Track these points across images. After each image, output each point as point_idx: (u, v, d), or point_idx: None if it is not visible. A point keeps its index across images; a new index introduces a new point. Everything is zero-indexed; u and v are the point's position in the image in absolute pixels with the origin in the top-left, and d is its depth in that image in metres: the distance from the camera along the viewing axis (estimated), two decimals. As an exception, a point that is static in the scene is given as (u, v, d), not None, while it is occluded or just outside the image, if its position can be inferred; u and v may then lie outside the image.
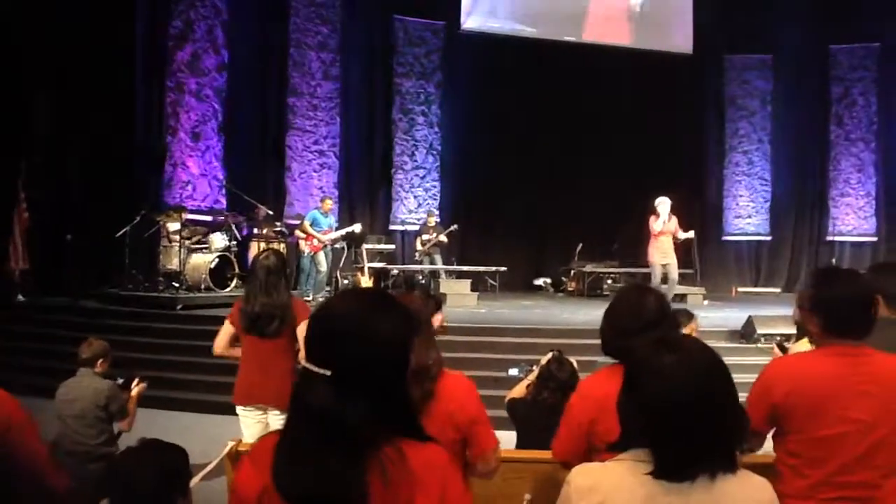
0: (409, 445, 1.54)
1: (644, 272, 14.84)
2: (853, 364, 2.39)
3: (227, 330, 4.56)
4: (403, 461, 1.51)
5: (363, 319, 1.56)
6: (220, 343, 4.59)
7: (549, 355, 4.23)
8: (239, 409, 4.53)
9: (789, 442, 2.43)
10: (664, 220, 10.77)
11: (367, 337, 1.54)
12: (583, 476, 1.70)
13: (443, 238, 13.31)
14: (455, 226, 13.61)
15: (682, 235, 11.07)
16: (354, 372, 1.52)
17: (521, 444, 4.01)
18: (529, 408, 4.06)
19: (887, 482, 2.34)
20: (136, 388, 4.85)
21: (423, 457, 1.54)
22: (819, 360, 2.46)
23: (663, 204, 10.78)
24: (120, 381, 4.80)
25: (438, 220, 13.98)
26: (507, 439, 3.26)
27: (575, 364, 4.22)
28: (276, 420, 4.45)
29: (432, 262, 13.41)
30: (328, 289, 11.83)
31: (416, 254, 13.65)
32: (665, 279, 10.76)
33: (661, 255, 10.73)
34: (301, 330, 4.39)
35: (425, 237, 13.41)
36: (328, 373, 1.52)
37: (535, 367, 4.60)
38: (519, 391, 4.26)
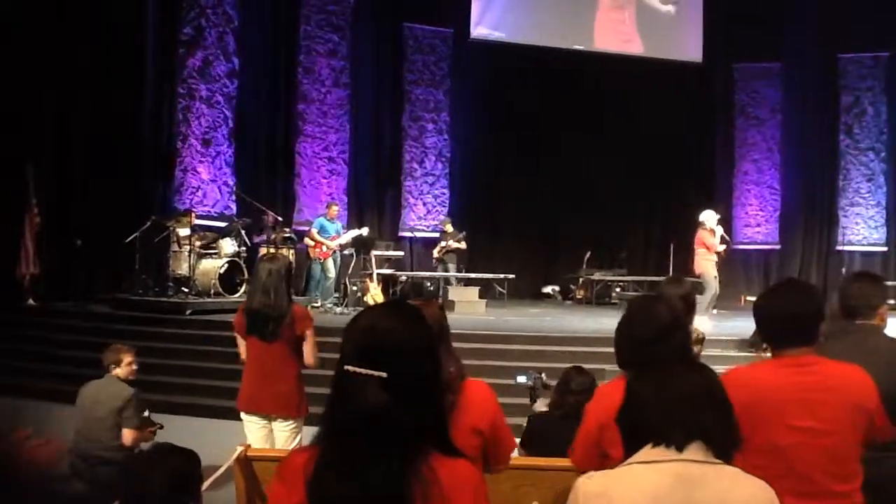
0: (438, 460, 1.54)
1: (651, 280, 14.85)
2: (798, 374, 2.42)
3: (240, 339, 4.59)
4: (435, 476, 1.51)
5: (408, 332, 1.60)
6: (243, 351, 4.60)
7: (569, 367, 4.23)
8: (243, 415, 4.54)
9: (744, 452, 2.44)
10: (720, 235, 10.73)
11: (412, 350, 1.58)
12: (591, 483, 1.72)
13: (457, 245, 13.35)
14: (463, 232, 13.63)
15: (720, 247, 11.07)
16: (403, 379, 1.54)
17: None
18: (544, 423, 4.04)
19: (847, 486, 2.37)
20: (149, 430, 4.84)
21: (453, 473, 1.54)
22: (764, 372, 2.51)
23: (712, 218, 10.72)
24: (146, 413, 4.82)
25: (450, 227, 13.97)
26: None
27: None
28: (281, 428, 4.46)
29: (445, 269, 13.44)
30: (336, 295, 11.85)
31: (434, 261, 13.73)
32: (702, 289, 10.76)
33: (715, 268, 10.68)
34: (309, 337, 4.41)
35: (442, 243, 13.48)
36: (384, 374, 1.52)
37: (543, 375, 4.60)
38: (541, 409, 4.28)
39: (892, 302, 13.21)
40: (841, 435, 2.38)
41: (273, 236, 11.52)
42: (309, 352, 4.39)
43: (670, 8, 15.79)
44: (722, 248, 11.03)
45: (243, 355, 4.60)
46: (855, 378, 2.45)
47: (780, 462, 2.37)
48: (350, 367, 1.55)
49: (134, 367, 4.88)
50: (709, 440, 1.65)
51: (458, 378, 2.55)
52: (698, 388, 1.71)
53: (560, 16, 15.60)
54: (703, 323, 10.38)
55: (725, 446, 1.68)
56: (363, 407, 1.51)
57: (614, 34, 15.73)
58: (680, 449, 1.64)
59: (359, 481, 1.48)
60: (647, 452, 1.67)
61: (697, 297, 10.66)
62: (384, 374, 1.52)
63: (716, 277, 10.68)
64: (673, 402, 1.67)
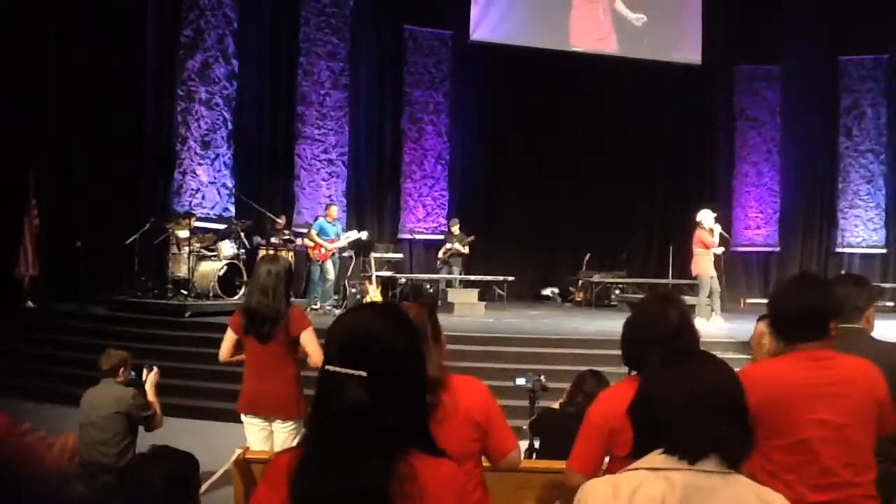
0: (419, 459, 1.54)
1: (650, 283, 14.87)
2: (816, 368, 2.46)
3: (229, 336, 4.55)
4: (415, 474, 1.51)
5: (389, 332, 1.61)
6: (224, 350, 4.58)
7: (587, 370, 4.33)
8: (243, 417, 4.54)
9: (764, 448, 2.45)
10: (718, 234, 10.67)
11: (393, 349, 1.58)
12: (595, 487, 1.70)
13: (461, 249, 13.36)
14: (472, 237, 13.63)
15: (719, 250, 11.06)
16: (384, 378, 1.55)
17: (542, 454, 4.05)
18: (557, 418, 4.09)
19: (864, 478, 2.40)
20: (148, 379, 4.81)
21: (436, 473, 1.55)
22: (784, 366, 2.53)
23: (709, 217, 10.70)
24: (132, 375, 4.79)
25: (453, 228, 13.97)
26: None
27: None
28: (280, 428, 4.46)
29: (449, 272, 13.44)
30: (336, 297, 11.85)
31: (438, 261, 13.74)
32: (710, 292, 10.72)
33: (713, 268, 10.66)
34: (306, 339, 4.40)
35: (447, 245, 13.49)
36: (364, 374, 1.53)
37: (542, 377, 4.64)
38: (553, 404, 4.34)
39: (889, 304, 13.24)
40: (857, 427, 2.41)
41: (273, 239, 11.53)
42: (315, 352, 4.38)
43: (640, 16, 15.73)
44: (720, 250, 11.00)
45: (223, 353, 4.57)
46: (868, 371, 2.50)
47: (804, 456, 2.40)
48: (331, 367, 1.56)
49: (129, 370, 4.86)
50: (722, 452, 1.62)
51: (439, 379, 2.50)
52: (721, 391, 1.65)
53: (560, 17, 15.60)
54: (716, 324, 10.41)
55: (738, 456, 1.65)
56: (344, 406, 1.52)
57: (614, 36, 15.72)
58: (692, 462, 1.61)
59: (339, 479, 1.49)
60: (655, 458, 1.65)
61: (692, 297, 10.72)
62: (364, 374, 1.52)
63: (713, 277, 10.62)
64: (693, 405, 1.62)
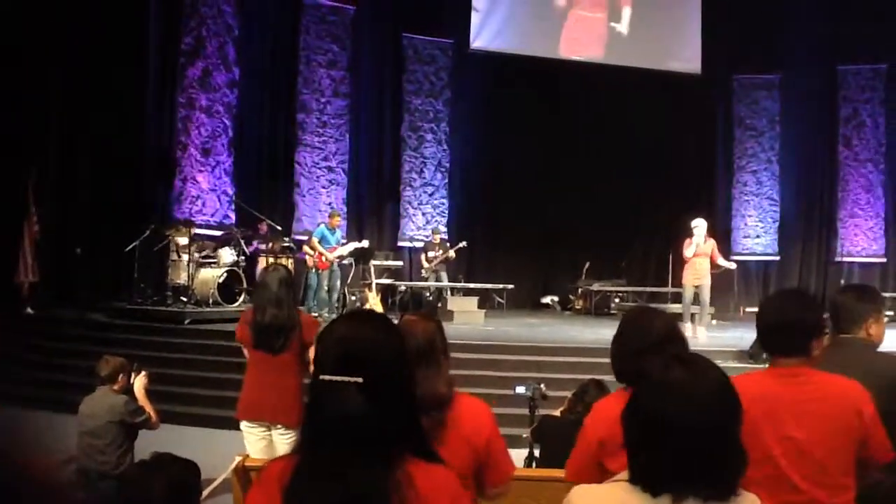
0: (415, 465, 1.55)
1: (650, 291, 14.88)
2: (790, 384, 2.42)
3: (246, 352, 4.55)
4: (411, 481, 1.52)
5: (382, 340, 1.62)
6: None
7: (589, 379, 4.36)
8: (243, 424, 4.50)
9: None
10: (698, 243, 10.34)
11: (387, 357, 1.60)
12: (582, 496, 1.70)
13: (451, 254, 13.32)
14: (464, 242, 13.63)
15: (723, 263, 10.74)
16: (379, 384, 1.55)
17: (542, 462, 4.05)
18: (558, 426, 4.11)
19: (839, 499, 2.33)
20: (136, 382, 4.78)
21: (431, 479, 1.56)
22: (757, 381, 2.49)
23: (699, 227, 10.50)
24: (120, 375, 4.76)
25: (444, 236, 14.00)
26: (514, 457, 3.24)
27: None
28: (280, 437, 4.43)
29: (438, 279, 13.41)
30: (336, 305, 11.83)
31: (423, 270, 13.66)
32: (696, 300, 10.59)
33: (695, 276, 10.43)
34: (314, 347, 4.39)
35: (431, 254, 13.42)
36: (360, 380, 1.54)
37: (542, 386, 4.66)
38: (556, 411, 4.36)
39: (890, 313, 13.27)
40: (830, 447, 2.36)
41: (271, 245, 11.51)
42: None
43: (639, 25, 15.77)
44: (717, 261, 10.80)
45: None
46: (848, 391, 2.44)
47: (769, 471, 2.35)
48: (326, 377, 1.57)
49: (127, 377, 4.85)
50: (696, 478, 1.57)
51: (448, 396, 2.48)
52: (720, 419, 1.59)
53: (559, 27, 15.63)
54: (697, 335, 10.32)
55: (721, 482, 1.60)
56: (340, 414, 1.53)
57: (613, 45, 15.75)
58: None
59: (336, 487, 1.49)
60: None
61: (673, 306, 10.63)
62: (360, 380, 1.53)
63: (697, 286, 10.47)
64: (673, 432, 1.56)
